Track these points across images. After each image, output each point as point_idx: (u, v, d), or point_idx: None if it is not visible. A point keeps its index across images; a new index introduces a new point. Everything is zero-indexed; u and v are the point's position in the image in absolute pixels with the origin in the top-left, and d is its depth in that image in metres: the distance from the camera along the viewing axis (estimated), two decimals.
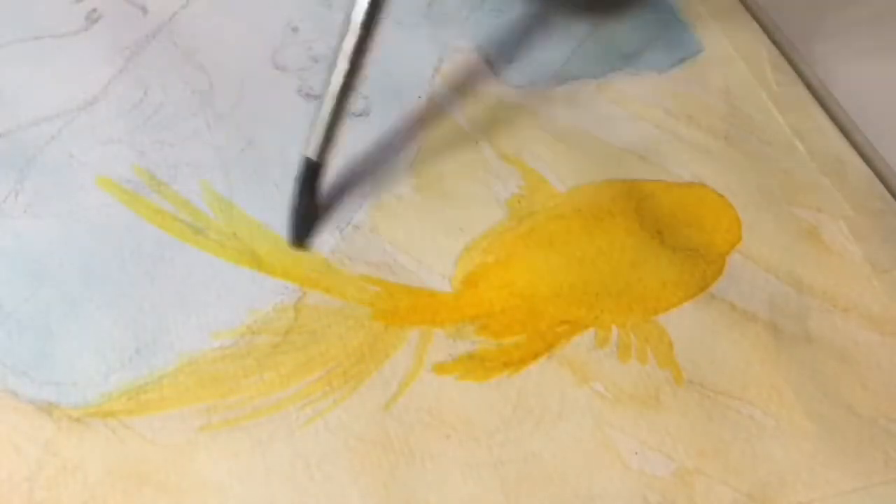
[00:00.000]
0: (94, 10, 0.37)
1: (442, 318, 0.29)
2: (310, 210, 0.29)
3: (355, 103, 0.35)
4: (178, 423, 0.27)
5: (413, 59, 0.37)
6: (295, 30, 0.38)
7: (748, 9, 0.40)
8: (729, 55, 0.38)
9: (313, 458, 0.26)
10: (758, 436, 0.27)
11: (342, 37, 0.28)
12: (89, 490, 0.25)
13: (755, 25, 0.39)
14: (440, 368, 0.28)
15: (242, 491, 0.26)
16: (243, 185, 0.32)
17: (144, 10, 0.37)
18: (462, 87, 0.36)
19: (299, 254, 0.30)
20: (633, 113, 0.36)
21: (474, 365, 0.28)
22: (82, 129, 0.33)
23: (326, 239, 0.31)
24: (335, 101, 0.28)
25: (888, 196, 0.34)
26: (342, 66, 0.28)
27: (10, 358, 0.27)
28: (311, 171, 0.29)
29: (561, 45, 0.38)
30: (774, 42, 0.39)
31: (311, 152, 0.29)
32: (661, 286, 0.30)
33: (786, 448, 0.27)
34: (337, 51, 0.28)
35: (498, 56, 0.37)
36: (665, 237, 0.32)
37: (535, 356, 0.29)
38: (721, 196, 0.33)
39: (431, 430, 0.27)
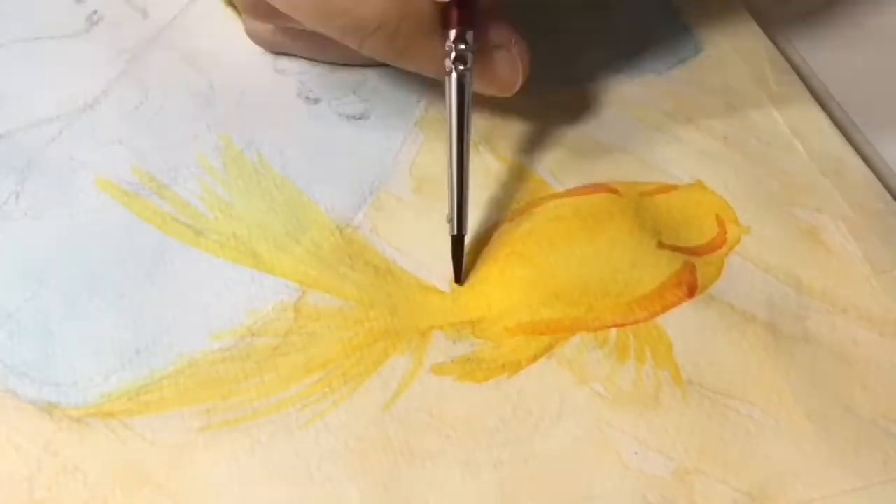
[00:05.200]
0: (95, 11, 0.37)
1: (441, 319, 0.29)
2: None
3: (354, 106, 0.35)
4: (179, 423, 0.27)
5: None
6: None
7: (748, 9, 0.40)
8: (729, 55, 0.38)
9: (313, 458, 0.26)
10: (758, 436, 0.27)
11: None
12: (89, 490, 0.25)
13: (755, 25, 0.39)
14: (439, 370, 0.28)
15: (242, 491, 0.26)
16: (243, 186, 0.32)
17: (145, 12, 0.38)
18: None
19: (299, 253, 0.30)
20: (633, 114, 0.36)
21: (473, 367, 0.28)
22: (83, 131, 0.33)
23: (327, 238, 0.31)
24: (454, 178, 0.30)
25: (888, 196, 0.34)
26: (452, 152, 0.30)
27: (11, 358, 0.28)
28: (457, 243, 0.31)
29: (561, 46, 0.38)
30: (774, 42, 0.39)
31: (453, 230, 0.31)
32: (660, 286, 0.30)
33: (786, 448, 0.27)
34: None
35: None
36: (664, 238, 0.32)
37: (535, 357, 0.29)
38: (720, 197, 0.33)
39: (431, 430, 0.27)
